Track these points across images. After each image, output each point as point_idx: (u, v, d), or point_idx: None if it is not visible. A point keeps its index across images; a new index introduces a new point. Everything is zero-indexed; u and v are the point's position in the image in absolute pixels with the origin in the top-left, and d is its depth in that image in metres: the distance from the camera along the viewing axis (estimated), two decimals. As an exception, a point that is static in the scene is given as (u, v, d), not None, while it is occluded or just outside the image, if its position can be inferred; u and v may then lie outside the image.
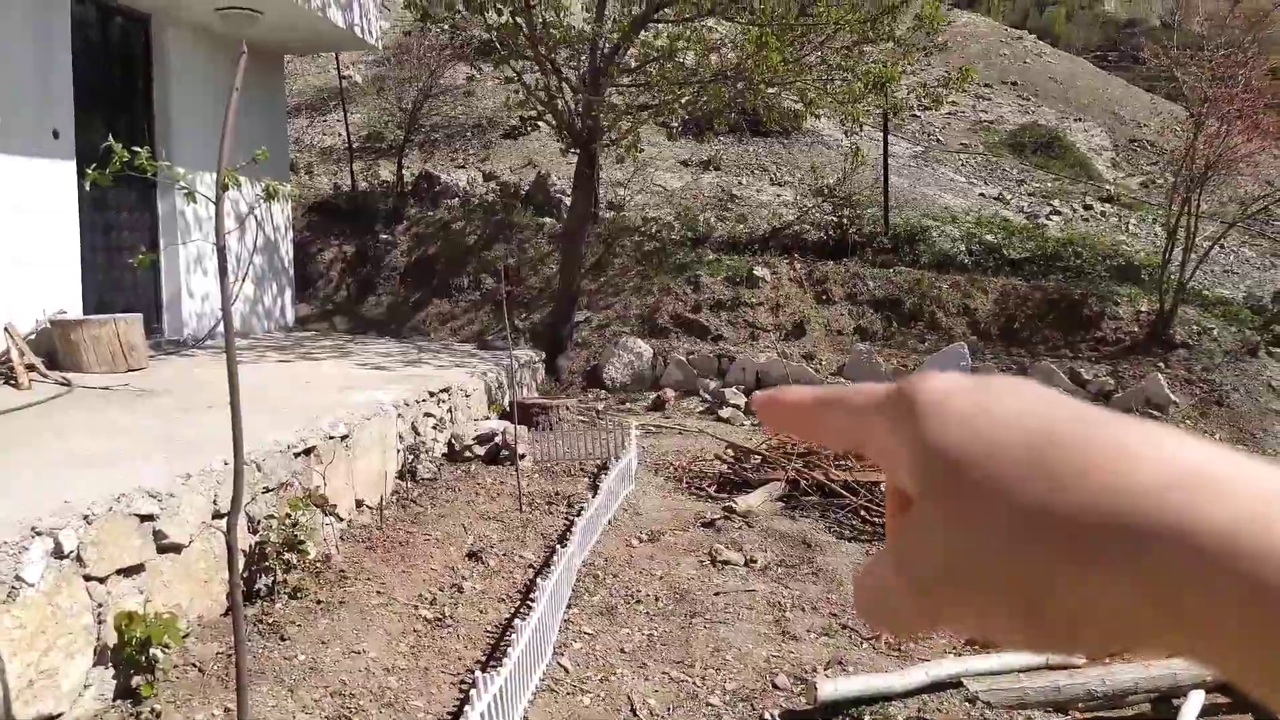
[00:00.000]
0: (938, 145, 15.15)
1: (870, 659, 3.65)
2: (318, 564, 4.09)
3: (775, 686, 3.40)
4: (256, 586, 3.78)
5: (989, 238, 10.47)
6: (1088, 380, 8.47)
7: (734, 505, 5.28)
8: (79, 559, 3.06)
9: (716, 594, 4.23)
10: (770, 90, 8.13)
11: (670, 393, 8.72)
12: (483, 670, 3.13)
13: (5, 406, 4.89)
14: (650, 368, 9.22)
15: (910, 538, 0.31)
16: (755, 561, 4.60)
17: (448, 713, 3.17)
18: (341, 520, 4.64)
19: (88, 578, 3.09)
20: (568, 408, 7.46)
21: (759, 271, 9.94)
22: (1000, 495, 0.28)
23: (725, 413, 8.16)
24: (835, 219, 10.71)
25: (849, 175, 10.85)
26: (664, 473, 6.30)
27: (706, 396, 8.74)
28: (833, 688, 3.20)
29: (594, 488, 5.57)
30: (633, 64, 8.88)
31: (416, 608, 3.97)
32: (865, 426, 0.35)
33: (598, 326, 9.80)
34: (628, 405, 8.60)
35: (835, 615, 4.00)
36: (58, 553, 2.98)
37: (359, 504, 4.94)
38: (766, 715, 3.21)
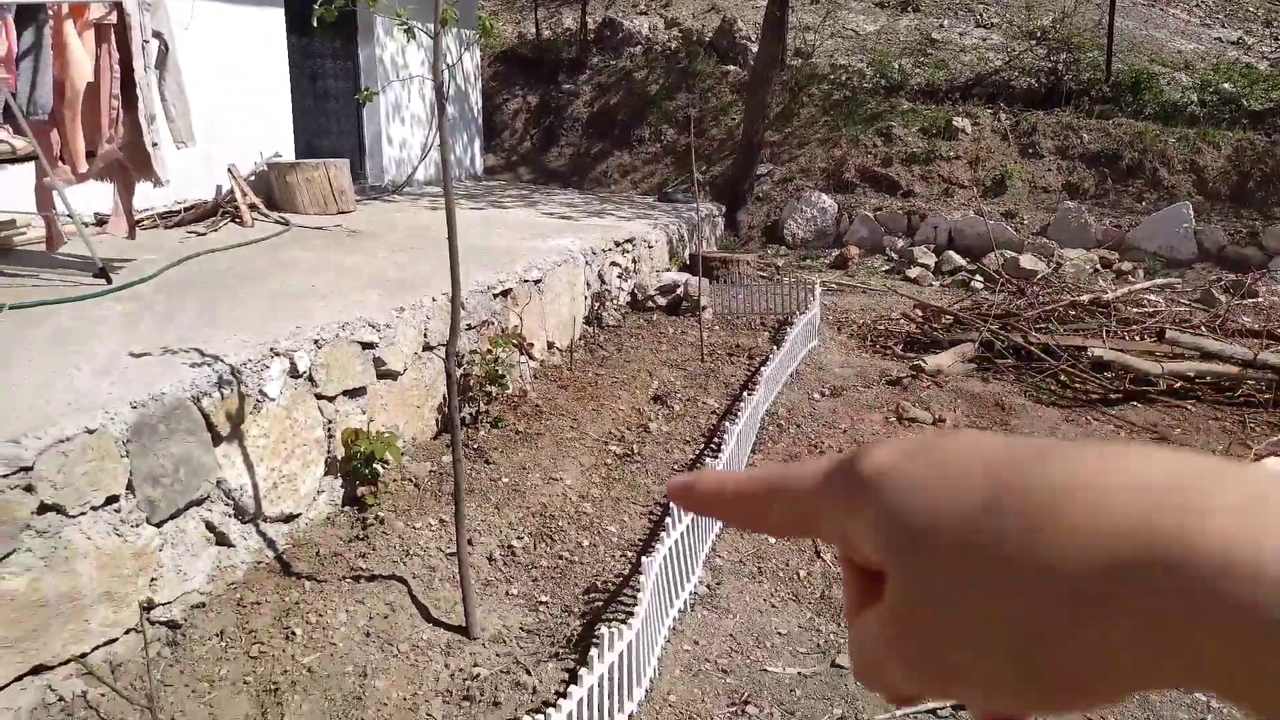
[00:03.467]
0: (1172, -20, 13.41)
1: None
2: (515, 398, 4.33)
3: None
4: (461, 414, 4.04)
5: (1226, 86, 9.31)
6: (1332, 249, 7.57)
7: (922, 364, 5.14)
8: (311, 379, 3.35)
9: (902, 450, 4.18)
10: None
11: (854, 250, 8.45)
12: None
13: (235, 241, 5.33)
14: (834, 224, 8.94)
15: (895, 613, 0.29)
16: (944, 420, 4.50)
17: (639, 538, 3.34)
18: (534, 360, 4.86)
19: (319, 396, 3.39)
20: (748, 263, 7.38)
21: (958, 122, 9.29)
22: (974, 554, 0.27)
23: (913, 272, 7.86)
24: (1049, 65, 9.79)
25: (1069, 14, 9.82)
26: (847, 330, 6.18)
27: (893, 255, 8.43)
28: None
29: (775, 342, 5.55)
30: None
31: (606, 444, 4.15)
32: (811, 514, 0.33)
33: (780, 180, 9.53)
34: (808, 262, 8.43)
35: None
36: (293, 372, 3.27)
37: (550, 345, 5.14)
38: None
